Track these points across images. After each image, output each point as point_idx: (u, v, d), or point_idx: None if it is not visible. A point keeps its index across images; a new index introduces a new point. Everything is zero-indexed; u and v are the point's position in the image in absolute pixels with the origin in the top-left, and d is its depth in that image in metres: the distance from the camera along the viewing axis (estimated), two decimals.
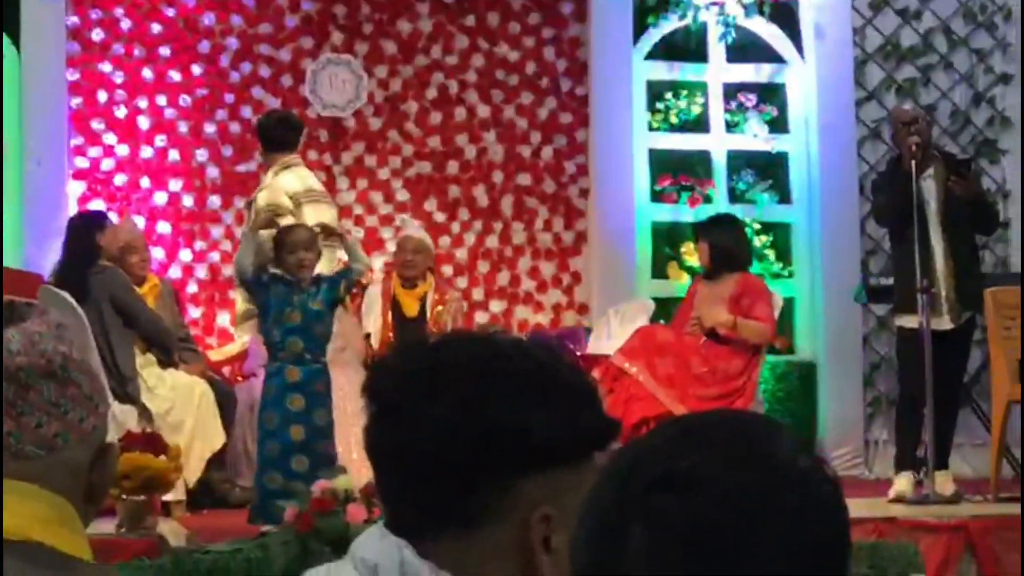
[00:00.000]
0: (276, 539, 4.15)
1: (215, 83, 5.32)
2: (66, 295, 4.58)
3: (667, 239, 5.73)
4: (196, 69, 5.26)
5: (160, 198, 5.23)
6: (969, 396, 5.43)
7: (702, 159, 5.69)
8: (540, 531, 0.91)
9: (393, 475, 0.99)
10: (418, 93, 5.41)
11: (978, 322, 5.00)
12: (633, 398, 4.88)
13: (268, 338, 4.14)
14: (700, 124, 5.65)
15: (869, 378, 5.69)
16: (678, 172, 5.64)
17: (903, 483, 4.87)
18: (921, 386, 4.68)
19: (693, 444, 0.68)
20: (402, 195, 5.35)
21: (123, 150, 5.25)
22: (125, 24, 5.23)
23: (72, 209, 5.12)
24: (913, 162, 4.66)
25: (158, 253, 5.05)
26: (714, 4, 5.24)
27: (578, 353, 5.11)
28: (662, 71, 5.59)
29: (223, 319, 5.21)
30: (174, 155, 5.28)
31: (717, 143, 5.67)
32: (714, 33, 5.53)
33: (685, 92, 5.61)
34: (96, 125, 5.27)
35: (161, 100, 5.27)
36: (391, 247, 5.07)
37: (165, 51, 5.27)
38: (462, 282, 5.26)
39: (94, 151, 5.23)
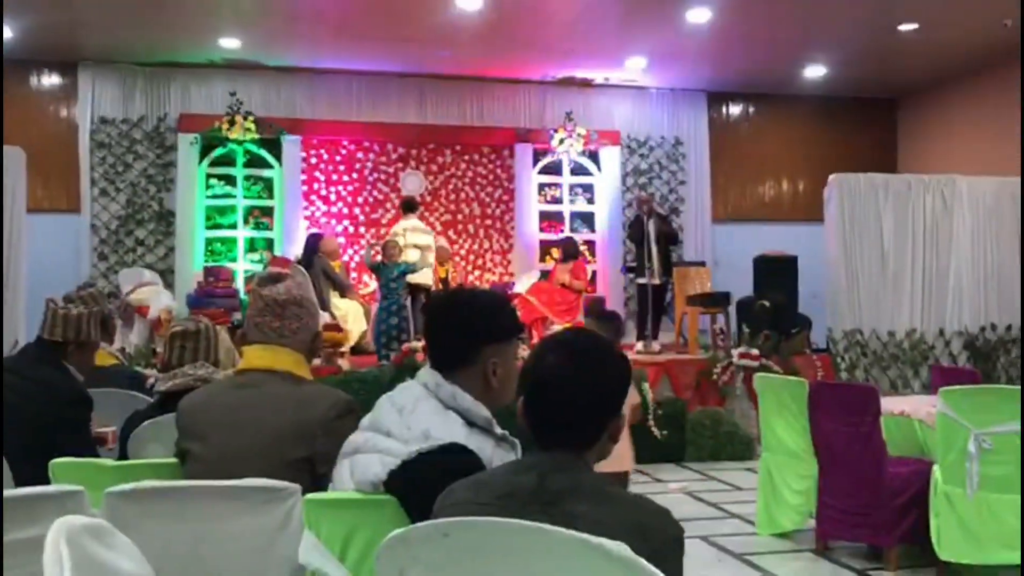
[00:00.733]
0: (387, 368, 7.86)
1: (362, 179, 11.62)
2: (301, 268, 10.63)
3: (545, 246, 11.99)
4: (354, 175, 11.76)
5: (340, 228, 11.57)
6: (665, 310, 11.17)
7: (559, 215, 12.09)
8: (491, 367, 1.95)
9: (436, 343, 2.05)
10: (445, 184, 12.05)
11: (670, 282, 9.90)
12: (530, 311, 9.77)
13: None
14: (559, 200, 12.19)
15: (627, 303, 12.37)
16: (550, 219, 12.23)
17: (639, 345, 9.15)
18: (647, 306, 9.73)
19: (570, 334, 1.73)
20: (438, 228, 11.72)
21: (323, 208, 11.70)
22: (324, 155, 11.72)
23: (302, 235, 11.47)
24: (645, 216, 9.34)
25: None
26: (565, 152, 12.10)
27: (510, 292, 10.28)
28: (544, 178, 12.08)
29: (364, 277, 11.66)
30: (345, 210, 11.61)
31: (566, 207, 12.17)
32: (565, 163, 12.12)
33: (553, 187, 12.20)
34: (312, 197, 11.53)
35: (340, 188, 11.55)
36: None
37: (341, 166, 11.70)
38: (470, 266, 11.87)
39: (312, 209, 11.63)
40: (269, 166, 11.37)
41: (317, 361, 7.61)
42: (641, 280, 9.49)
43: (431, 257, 10.29)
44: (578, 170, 12.13)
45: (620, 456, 3.92)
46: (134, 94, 11.05)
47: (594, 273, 11.88)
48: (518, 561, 1.42)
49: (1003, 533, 4.38)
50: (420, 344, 8.13)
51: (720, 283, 11.31)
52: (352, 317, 10.16)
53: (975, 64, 11.18)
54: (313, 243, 10.06)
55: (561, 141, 11.81)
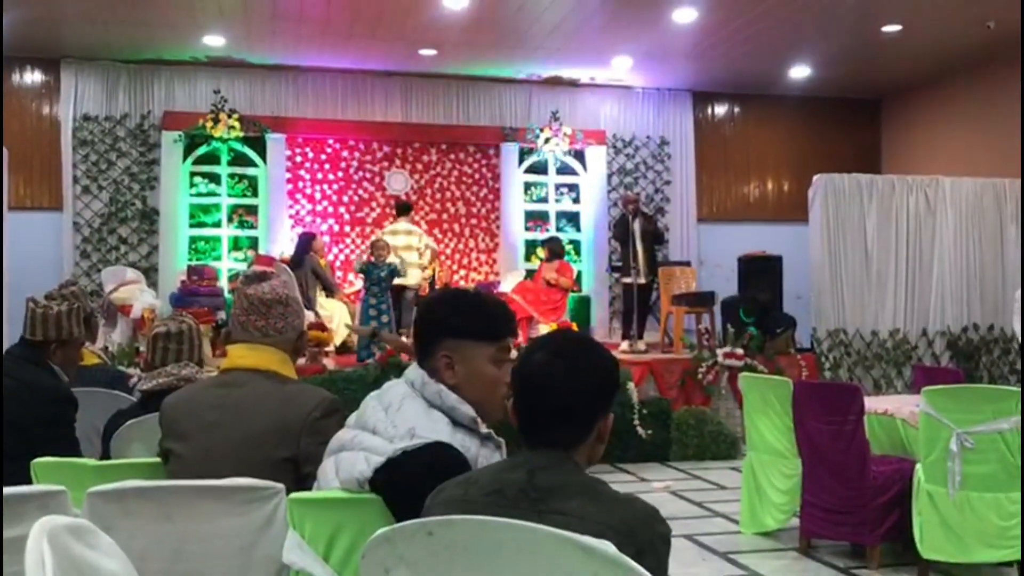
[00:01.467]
0: (372, 368, 7.70)
1: (348, 178, 11.61)
2: (285, 267, 10.67)
3: (530, 245, 12.06)
4: (340, 173, 11.74)
5: (325, 227, 11.56)
6: (650, 309, 10.79)
7: (545, 214, 12.14)
8: (441, 361, 2.00)
9: (418, 340, 2.09)
10: (431, 183, 12.04)
11: (655, 281, 9.85)
12: (516, 310, 10.73)
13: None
14: (544, 200, 12.16)
15: (612, 302, 12.16)
16: (535, 218, 12.28)
17: (624, 344, 9.20)
18: (632, 305, 9.40)
19: (558, 334, 1.85)
20: (424, 227, 11.76)
21: (308, 207, 11.68)
22: (309, 153, 11.69)
23: (287, 233, 11.45)
24: (630, 216, 9.28)
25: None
26: (551, 151, 12.13)
27: (495, 291, 10.55)
28: (529, 177, 12.08)
29: (349, 276, 11.66)
30: (330, 209, 11.59)
31: (551, 207, 12.19)
32: (551, 162, 12.14)
33: (537, 187, 12.23)
34: (297, 195, 11.45)
35: (325, 187, 11.47)
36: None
37: (326, 165, 11.61)
38: (455, 265, 11.88)
39: (297, 207, 11.60)
40: (254, 164, 11.34)
41: (302, 360, 7.57)
42: (626, 280, 9.50)
43: (417, 257, 10.28)
44: (564, 169, 12.15)
45: None
46: (117, 91, 10.98)
47: (579, 272, 11.89)
48: (503, 559, 1.42)
49: (985, 532, 4.41)
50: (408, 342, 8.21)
51: (705, 283, 11.38)
52: (337, 317, 10.20)
53: (959, 65, 11.25)
54: (306, 242, 10.12)
55: (547, 140, 11.82)
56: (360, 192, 11.64)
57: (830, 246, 9.11)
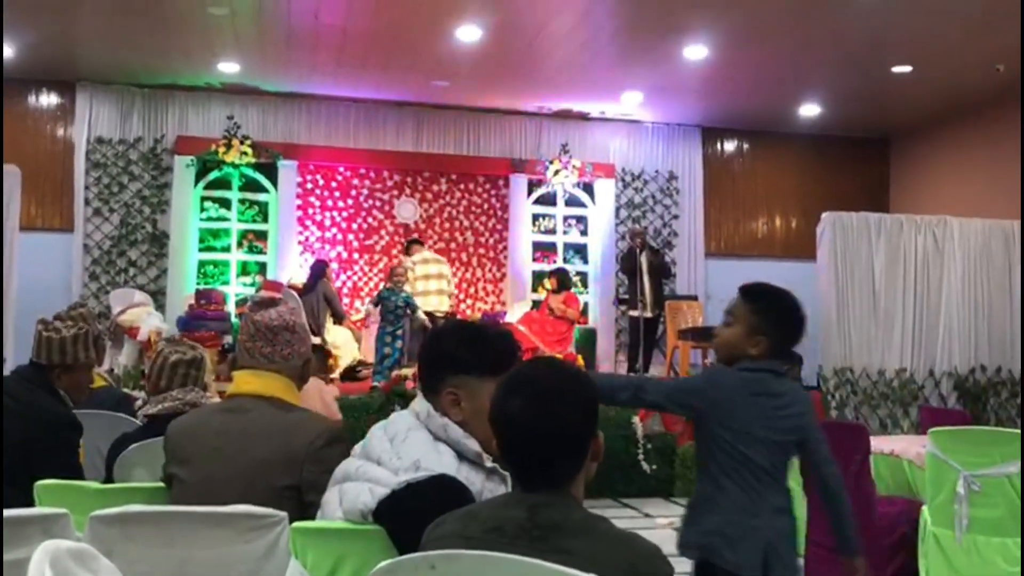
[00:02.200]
0: (376, 394, 7.85)
1: (357, 205, 11.65)
2: (293, 293, 10.54)
3: (537, 276, 12.04)
4: (349, 201, 11.81)
5: (333, 254, 11.59)
6: (657, 343, 11.30)
7: (552, 245, 12.16)
8: (448, 397, 1.96)
9: (423, 374, 2.08)
10: (440, 212, 12.09)
11: (662, 315, 10.39)
12: (522, 341, 10.21)
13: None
14: (552, 231, 12.20)
15: (618, 335, 12.28)
16: (543, 249, 12.27)
17: None
18: (638, 338, 10.01)
19: (528, 370, 1.66)
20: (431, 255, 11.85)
21: (317, 233, 11.72)
22: (320, 180, 11.75)
23: (295, 259, 11.45)
24: (637, 249, 9.75)
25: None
26: (559, 183, 12.17)
27: (501, 321, 10.63)
28: (538, 208, 12.12)
29: (356, 303, 11.65)
30: (339, 236, 11.65)
31: (559, 239, 12.20)
32: (560, 194, 12.24)
33: (546, 218, 12.25)
34: (307, 222, 11.49)
35: (334, 214, 11.57)
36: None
37: (336, 192, 11.72)
38: (462, 295, 11.88)
39: (307, 234, 11.63)
40: (264, 190, 11.40)
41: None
42: (633, 313, 9.50)
43: (447, 285, 10.36)
44: (572, 201, 12.19)
45: None
46: (131, 115, 11.07)
47: (586, 304, 11.88)
48: None
49: None
50: (411, 372, 8.10)
51: (712, 318, 11.33)
52: (343, 343, 10.20)
53: (968, 107, 11.28)
54: (320, 269, 10.18)
55: (556, 172, 11.87)
56: (369, 220, 11.68)
57: (837, 284, 9.08)
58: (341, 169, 11.65)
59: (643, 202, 12.40)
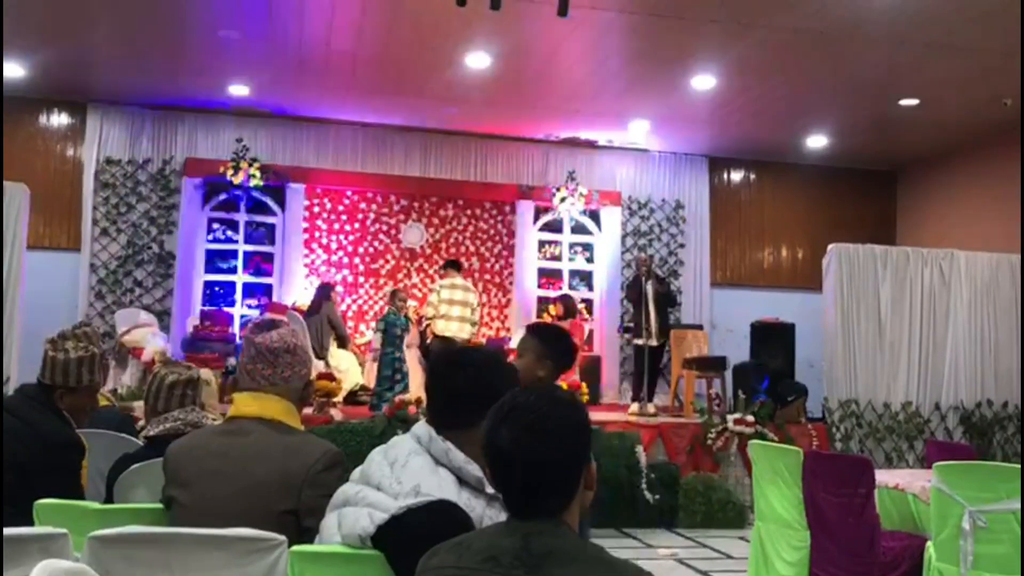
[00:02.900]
0: (379, 420, 7.70)
1: (364, 229, 11.73)
2: (297, 315, 10.53)
3: (543, 303, 11.94)
4: (356, 225, 11.84)
5: (339, 277, 11.61)
6: (661, 372, 10.72)
7: (558, 272, 12.19)
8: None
9: (434, 401, 2.07)
10: (446, 237, 12.11)
11: (667, 343, 9.78)
12: None
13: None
14: (558, 258, 12.27)
15: (623, 363, 12.12)
16: (548, 276, 12.29)
17: (634, 407, 9.19)
18: (642, 367, 9.31)
19: (520, 399, 1.61)
20: (438, 280, 11.86)
21: (323, 256, 11.74)
22: (327, 204, 11.80)
23: (301, 282, 11.47)
24: (643, 277, 9.27)
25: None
26: (566, 211, 12.19)
27: (506, 347, 10.79)
28: (544, 235, 12.14)
29: (361, 327, 11.68)
30: (345, 259, 11.69)
31: (565, 265, 12.26)
32: (566, 221, 12.30)
33: (552, 245, 12.33)
34: (313, 245, 11.54)
35: (341, 237, 11.63)
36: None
37: (343, 216, 11.77)
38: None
39: (313, 257, 11.67)
40: (272, 213, 11.45)
41: (309, 410, 7.55)
42: (638, 341, 9.44)
43: (470, 312, 10.17)
44: (578, 229, 12.22)
45: None
46: (141, 136, 11.14)
47: (591, 332, 11.87)
48: None
49: None
50: (413, 397, 8.16)
51: (717, 347, 11.31)
52: (346, 367, 10.19)
53: (974, 141, 11.31)
54: (325, 291, 10.18)
55: (563, 199, 11.90)
56: (376, 244, 11.71)
57: (843, 316, 9.06)
58: (348, 193, 11.69)
59: (649, 230, 12.41)
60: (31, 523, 2.37)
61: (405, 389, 9.05)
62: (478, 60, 9.18)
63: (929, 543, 4.50)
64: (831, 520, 4.84)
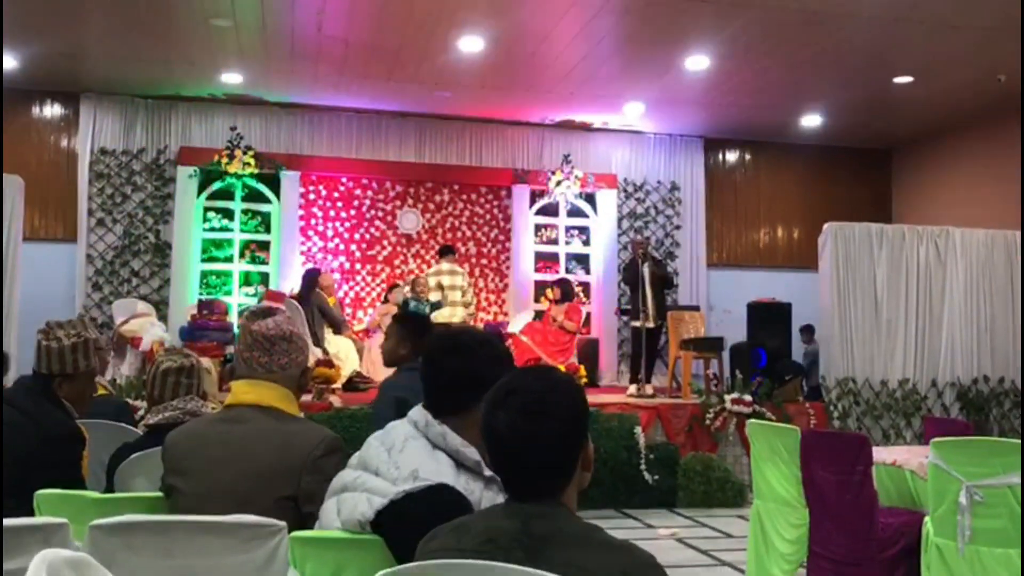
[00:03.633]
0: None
1: (360, 216, 11.74)
2: (295, 303, 10.55)
3: (540, 287, 11.92)
4: (352, 211, 11.82)
5: (336, 264, 11.62)
6: (659, 354, 10.78)
7: (555, 255, 12.16)
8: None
9: (432, 387, 2.05)
10: (442, 223, 12.11)
11: (664, 325, 9.59)
12: (524, 351, 9.90)
13: None
14: (554, 242, 12.23)
15: (620, 345, 12.13)
16: (545, 259, 12.28)
17: (632, 388, 9.16)
18: (640, 348, 9.19)
19: (517, 381, 1.63)
20: (433, 266, 11.86)
21: (320, 244, 11.74)
22: (323, 191, 11.78)
23: (298, 270, 11.47)
24: (640, 259, 9.15)
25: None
26: (562, 194, 12.20)
27: (503, 332, 10.52)
28: (540, 219, 12.12)
29: (359, 313, 11.65)
30: (341, 246, 11.67)
31: (561, 249, 12.21)
32: (562, 204, 12.23)
33: (549, 228, 12.28)
34: (309, 232, 11.54)
35: (337, 224, 11.59)
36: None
37: (339, 202, 11.74)
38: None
39: (309, 244, 11.65)
40: (267, 201, 11.42)
41: (308, 397, 7.56)
42: (635, 323, 9.44)
43: (460, 295, 10.41)
44: (575, 212, 12.20)
45: None
46: (135, 126, 11.10)
47: (588, 315, 11.89)
48: None
49: None
50: None
51: (714, 328, 11.32)
52: (344, 353, 10.17)
53: (969, 118, 11.29)
54: (312, 278, 10.08)
55: (558, 183, 11.88)
56: (372, 230, 11.69)
57: (840, 294, 9.08)
58: (344, 180, 11.67)
59: (645, 212, 12.40)
60: (32, 515, 2.37)
61: None
62: (471, 44, 9.15)
63: (927, 519, 4.52)
64: (829, 498, 4.86)
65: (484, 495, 1.93)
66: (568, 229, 12.24)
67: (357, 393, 9.20)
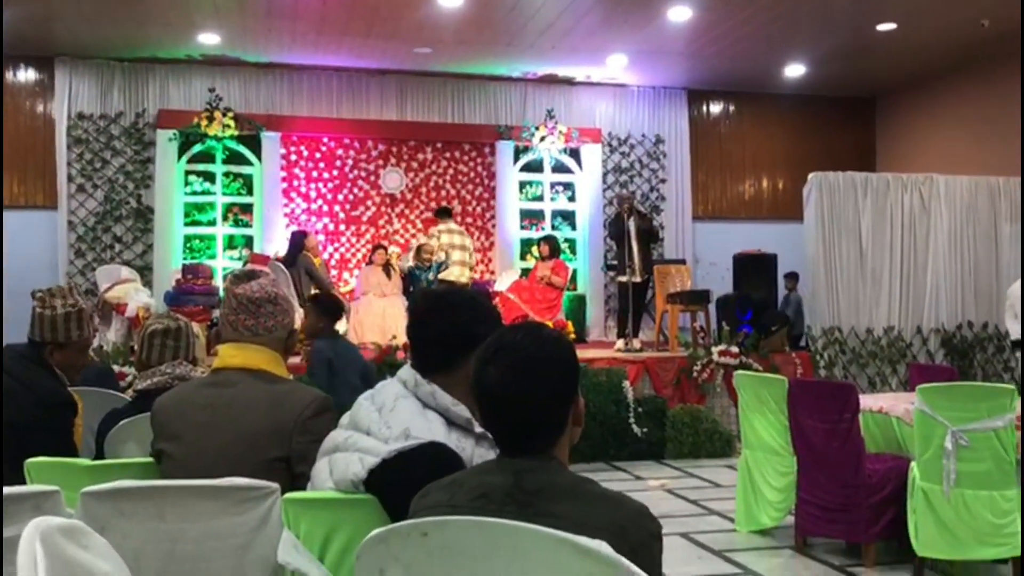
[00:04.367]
0: (369, 365, 10.00)
1: (343, 176, 11.64)
2: (280, 265, 10.59)
3: (525, 244, 12.04)
4: (335, 172, 11.72)
5: (320, 226, 11.52)
6: (646, 308, 10.54)
7: (540, 212, 12.12)
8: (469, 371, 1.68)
9: (418, 345, 2.06)
10: (426, 181, 12.04)
11: (650, 279, 9.67)
12: (512, 309, 9.94)
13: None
14: (540, 198, 12.19)
15: (608, 300, 12.13)
16: (530, 216, 12.28)
17: (620, 343, 9.27)
18: (627, 303, 9.26)
19: (508, 337, 1.63)
20: (419, 225, 11.73)
21: (303, 205, 11.66)
22: (304, 151, 11.67)
23: (282, 232, 11.43)
24: (625, 214, 9.21)
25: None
26: (546, 150, 12.12)
27: (490, 290, 10.71)
28: (525, 176, 12.05)
29: (344, 275, 11.61)
30: (325, 207, 11.56)
31: (547, 206, 12.18)
32: (547, 160, 12.15)
33: (533, 185, 12.22)
34: (292, 194, 11.43)
35: (320, 185, 11.49)
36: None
37: (321, 163, 11.63)
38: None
39: (292, 206, 11.57)
40: (248, 163, 11.32)
41: (297, 359, 7.57)
42: (622, 278, 9.47)
43: (467, 256, 10.48)
44: (559, 167, 12.14)
45: None
46: (112, 90, 10.95)
47: (575, 271, 11.88)
48: (498, 560, 1.41)
49: (980, 529, 4.42)
50: (401, 343, 8.26)
51: (700, 281, 11.37)
52: None
53: (953, 64, 11.26)
54: (298, 241, 10.03)
55: (542, 139, 11.80)
56: (355, 190, 11.62)
57: (825, 244, 9.11)
58: (325, 140, 11.57)
59: (630, 167, 12.36)
60: (23, 482, 2.37)
61: None
62: None
63: (913, 464, 4.59)
64: (817, 445, 4.92)
65: (476, 452, 1.93)
66: (553, 185, 12.21)
67: None
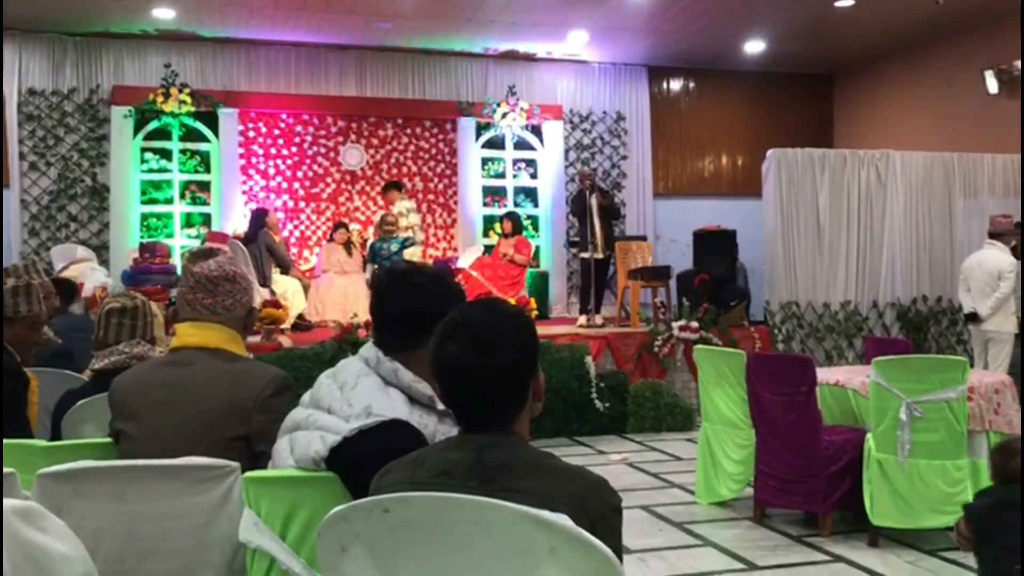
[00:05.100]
0: (328, 345, 7.70)
1: (302, 153, 11.49)
2: (239, 243, 10.47)
3: (488, 221, 12.04)
4: (294, 148, 11.59)
5: (279, 203, 11.38)
6: (608, 284, 10.55)
7: (502, 189, 12.09)
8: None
9: (380, 323, 2.05)
10: (387, 158, 11.95)
11: (612, 256, 9.80)
12: (475, 286, 10.02)
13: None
14: (502, 175, 12.13)
15: (570, 277, 12.02)
16: (492, 194, 12.26)
17: (582, 319, 9.33)
18: (589, 280, 9.27)
19: (467, 313, 1.63)
20: (380, 203, 11.61)
21: (262, 183, 11.54)
22: (263, 128, 11.52)
23: (240, 209, 11.28)
24: (587, 191, 9.24)
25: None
26: (507, 126, 12.07)
27: (453, 267, 10.67)
28: (487, 152, 11.98)
29: (304, 252, 11.52)
30: (284, 185, 11.44)
31: (509, 183, 12.13)
32: (508, 137, 12.08)
33: (495, 162, 12.17)
34: (250, 171, 11.29)
35: (279, 162, 11.35)
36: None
37: (280, 140, 11.50)
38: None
39: (251, 183, 11.45)
40: (206, 140, 11.16)
41: (257, 338, 7.51)
42: (584, 255, 9.52)
43: (419, 233, 10.59)
44: (521, 144, 12.09)
45: None
46: (64, 65, 10.72)
47: (537, 248, 11.89)
48: (460, 535, 1.42)
49: (932, 498, 4.53)
50: (363, 320, 8.23)
51: (661, 257, 11.44)
52: (291, 293, 10.08)
53: (909, 41, 11.38)
54: (259, 218, 9.89)
55: (504, 115, 11.76)
56: (315, 167, 11.51)
57: (783, 220, 9.21)
58: (283, 116, 11.43)
59: (592, 143, 12.36)
60: None
61: None
62: None
63: (869, 435, 4.68)
64: (775, 418, 5.00)
65: (438, 429, 1.94)
66: (515, 162, 12.16)
67: (305, 333, 9.15)
